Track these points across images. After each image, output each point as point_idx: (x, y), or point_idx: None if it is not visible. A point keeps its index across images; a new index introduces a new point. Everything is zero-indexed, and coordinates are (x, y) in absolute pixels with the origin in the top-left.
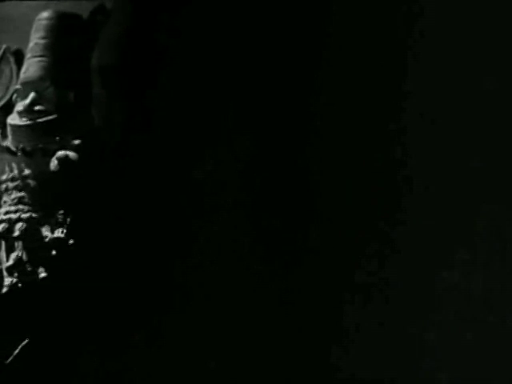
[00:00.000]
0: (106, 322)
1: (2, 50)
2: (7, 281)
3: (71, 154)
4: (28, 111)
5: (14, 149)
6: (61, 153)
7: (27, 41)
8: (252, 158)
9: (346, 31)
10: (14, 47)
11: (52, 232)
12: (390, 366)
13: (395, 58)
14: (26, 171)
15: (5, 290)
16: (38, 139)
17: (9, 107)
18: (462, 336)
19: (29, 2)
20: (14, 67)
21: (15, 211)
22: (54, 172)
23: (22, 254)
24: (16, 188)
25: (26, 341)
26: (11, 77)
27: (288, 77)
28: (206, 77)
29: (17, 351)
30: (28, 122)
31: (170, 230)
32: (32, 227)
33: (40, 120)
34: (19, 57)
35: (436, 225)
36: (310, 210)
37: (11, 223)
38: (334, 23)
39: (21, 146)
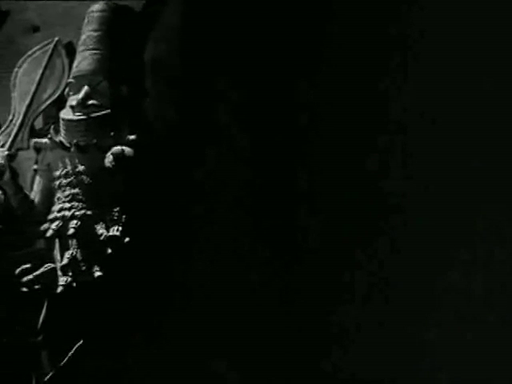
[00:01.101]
0: (108, 322)
1: (53, 43)
2: (62, 280)
3: (127, 149)
4: (81, 105)
5: (67, 144)
6: (117, 148)
7: (78, 34)
8: (252, 158)
9: (346, 31)
10: (65, 40)
11: (107, 230)
12: (390, 366)
13: (395, 57)
14: (80, 167)
15: (60, 289)
16: (92, 134)
17: (61, 101)
18: (462, 336)
19: None
20: (66, 60)
21: (69, 208)
22: (109, 168)
23: (76, 252)
24: (70, 184)
25: (81, 342)
26: (63, 70)
27: (288, 76)
28: (209, 74)
29: (71, 352)
30: (82, 117)
31: (170, 229)
32: (86, 225)
33: (94, 115)
34: (71, 50)
35: (436, 225)
36: (311, 210)
37: (65, 221)
38: (334, 23)
39: (74, 141)
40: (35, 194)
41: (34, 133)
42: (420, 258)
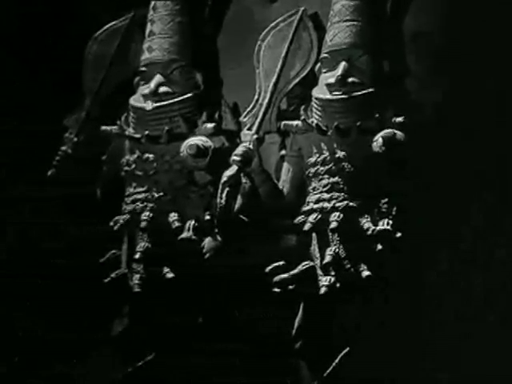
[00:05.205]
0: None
1: (298, 15)
2: (324, 280)
3: (398, 133)
4: (340, 83)
5: (323, 127)
6: (388, 131)
7: (323, 3)
8: None
9: None
10: (310, 10)
11: (375, 223)
12: (390, 366)
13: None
14: (340, 153)
15: (323, 290)
16: (354, 116)
17: (310, 79)
18: (462, 336)
19: None
20: (314, 33)
21: (329, 199)
22: (377, 154)
23: (339, 248)
24: (328, 172)
25: (346, 350)
26: (311, 44)
27: None
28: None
29: (336, 362)
30: (341, 96)
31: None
32: (350, 218)
33: (355, 93)
34: (317, 21)
35: (436, 225)
36: None
37: (324, 213)
38: None
39: (335, 123)
40: (284, 183)
41: (280, 114)
42: (420, 257)
